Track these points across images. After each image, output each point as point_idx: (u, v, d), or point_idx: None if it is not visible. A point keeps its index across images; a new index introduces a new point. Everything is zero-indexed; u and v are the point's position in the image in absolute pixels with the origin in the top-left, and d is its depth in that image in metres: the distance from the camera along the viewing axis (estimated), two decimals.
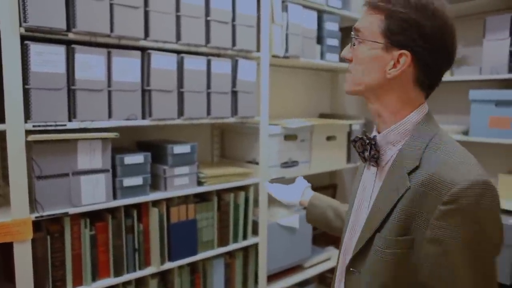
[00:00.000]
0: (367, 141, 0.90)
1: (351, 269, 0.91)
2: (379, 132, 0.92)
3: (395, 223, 0.81)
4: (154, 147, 1.83)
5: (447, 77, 2.41)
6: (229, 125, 2.28)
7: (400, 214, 0.81)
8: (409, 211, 0.80)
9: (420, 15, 0.80)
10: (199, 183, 1.89)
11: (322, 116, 2.87)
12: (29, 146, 1.42)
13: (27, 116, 1.39)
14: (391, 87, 0.86)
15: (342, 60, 0.98)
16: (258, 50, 2.01)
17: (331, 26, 2.35)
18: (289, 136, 2.20)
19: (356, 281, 0.90)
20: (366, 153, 0.91)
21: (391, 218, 0.82)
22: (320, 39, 2.34)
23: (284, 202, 1.33)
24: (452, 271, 0.75)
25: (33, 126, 1.39)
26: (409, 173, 0.81)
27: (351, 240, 0.96)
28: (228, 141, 2.32)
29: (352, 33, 0.89)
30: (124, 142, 1.95)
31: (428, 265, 0.78)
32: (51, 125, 1.43)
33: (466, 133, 2.41)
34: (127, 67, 1.58)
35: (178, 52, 1.73)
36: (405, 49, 0.82)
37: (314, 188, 1.36)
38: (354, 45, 0.89)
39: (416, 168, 0.81)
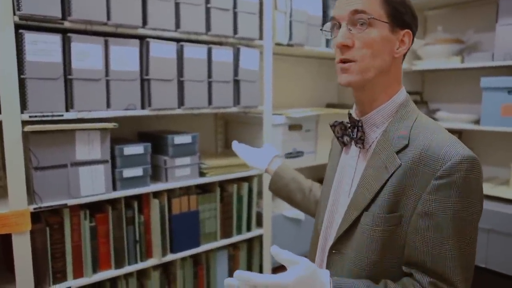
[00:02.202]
0: (349, 125, 0.93)
1: (333, 251, 0.92)
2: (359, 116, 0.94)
3: (385, 200, 0.83)
4: (155, 137, 1.80)
5: (457, 64, 2.34)
6: (233, 115, 2.24)
7: (390, 191, 0.83)
8: (399, 188, 0.83)
9: None
10: (201, 174, 1.86)
11: (330, 106, 2.81)
12: (26, 136, 1.41)
13: (24, 107, 1.37)
14: (392, 67, 0.90)
15: None
16: (260, 38, 1.96)
17: None
18: (294, 126, 2.16)
19: (340, 261, 0.91)
20: (346, 138, 0.95)
21: (380, 196, 0.84)
22: None
23: (250, 165, 1.35)
24: (442, 242, 0.79)
25: (30, 116, 1.37)
26: (397, 152, 0.84)
27: (331, 224, 0.98)
28: (232, 131, 2.29)
29: (357, 15, 0.85)
30: (126, 132, 1.93)
31: (418, 238, 0.81)
32: (48, 116, 1.41)
33: (477, 122, 2.33)
34: (125, 56, 1.55)
35: (177, 40, 1.69)
36: (407, 28, 0.88)
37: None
38: (351, 30, 0.86)
39: (405, 147, 0.84)
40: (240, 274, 0.74)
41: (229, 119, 2.28)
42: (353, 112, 0.96)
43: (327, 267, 0.93)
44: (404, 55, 0.92)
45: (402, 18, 0.86)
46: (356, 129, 0.91)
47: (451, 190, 0.77)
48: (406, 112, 0.89)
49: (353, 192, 0.90)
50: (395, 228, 0.83)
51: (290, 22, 2.05)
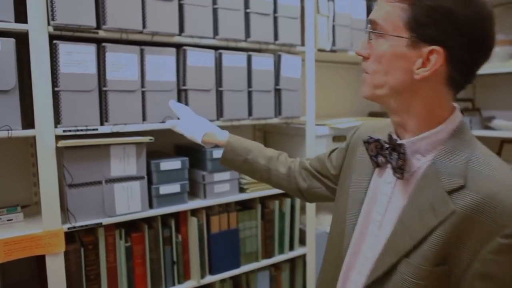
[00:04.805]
0: (387, 146, 0.76)
1: None
2: (399, 138, 0.78)
3: (431, 250, 0.69)
4: (192, 151, 1.71)
5: (504, 68, 2.13)
6: (272, 126, 2.13)
7: (438, 240, 0.68)
8: (451, 238, 0.68)
9: (453, 2, 0.66)
10: (241, 190, 1.75)
11: (372, 114, 2.65)
12: (60, 152, 1.34)
13: (57, 121, 1.31)
14: (419, 90, 0.72)
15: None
16: (302, 44, 1.84)
17: None
18: (338, 137, 2.02)
19: None
20: (381, 158, 0.79)
21: (425, 244, 0.70)
22: None
23: (183, 133, 1.18)
24: None
25: (64, 131, 1.31)
26: (450, 193, 0.69)
27: (357, 254, 0.82)
28: (272, 143, 2.17)
29: (367, 25, 0.76)
30: (162, 145, 1.84)
31: None
32: (82, 130, 1.34)
33: None
34: (161, 66, 1.47)
35: (215, 48, 1.60)
36: (436, 45, 0.68)
37: None
38: (371, 40, 0.76)
39: (461, 187, 0.68)
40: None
41: (268, 130, 2.17)
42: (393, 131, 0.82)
43: None
44: (452, 78, 0.71)
45: (425, 31, 0.68)
46: (396, 155, 0.75)
47: None
48: (461, 142, 0.72)
49: (391, 233, 0.75)
50: (442, 282, 0.70)
51: (333, 27, 1.93)
